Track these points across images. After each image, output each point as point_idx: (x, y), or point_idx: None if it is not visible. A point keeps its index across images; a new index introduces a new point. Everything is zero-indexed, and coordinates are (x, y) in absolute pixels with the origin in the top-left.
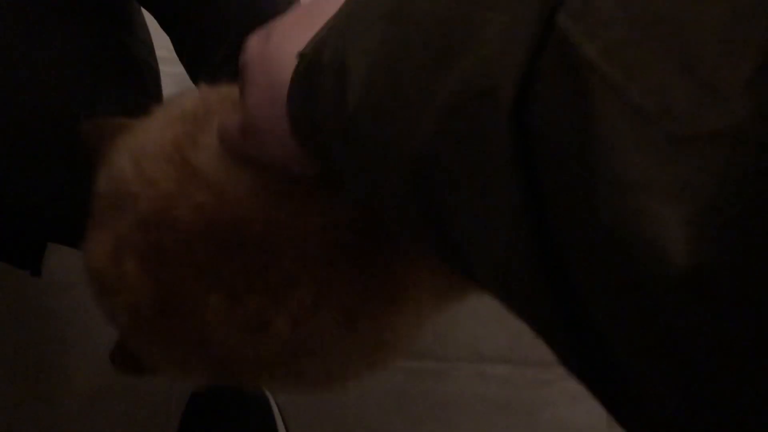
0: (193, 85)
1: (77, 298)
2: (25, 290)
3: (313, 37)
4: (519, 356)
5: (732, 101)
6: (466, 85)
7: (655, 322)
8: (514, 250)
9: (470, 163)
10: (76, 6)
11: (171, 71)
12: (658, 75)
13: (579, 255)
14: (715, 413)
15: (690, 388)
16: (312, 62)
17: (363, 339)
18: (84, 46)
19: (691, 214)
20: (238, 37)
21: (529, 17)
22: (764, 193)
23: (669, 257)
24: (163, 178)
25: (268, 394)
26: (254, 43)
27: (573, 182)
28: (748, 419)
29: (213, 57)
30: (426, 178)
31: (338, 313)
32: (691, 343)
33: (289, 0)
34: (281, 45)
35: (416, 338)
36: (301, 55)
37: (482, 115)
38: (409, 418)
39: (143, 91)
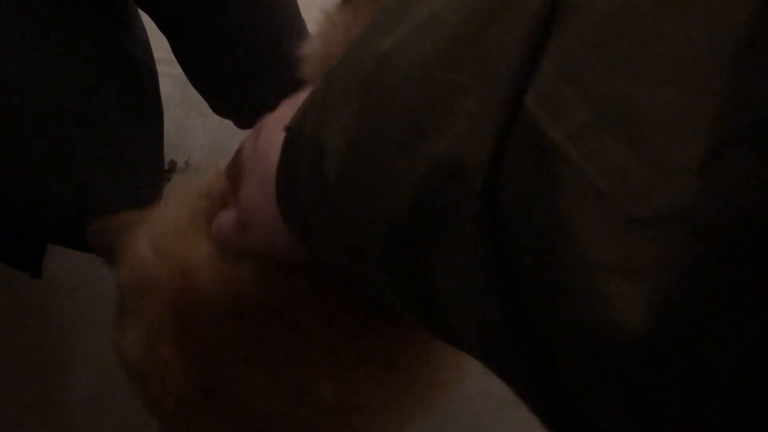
0: (191, 87)
1: (79, 300)
2: (27, 293)
3: (296, 111)
4: None
5: (682, 185)
6: (436, 164)
7: (614, 381)
8: (490, 322)
9: (444, 238)
10: (73, 6)
11: (170, 72)
12: (615, 157)
13: (549, 331)
14: None
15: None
16: (294, 135)
17: (409, 385)
18: (81, 47)
19: (647, 293)
20: (240, 43)
21: (497, 100)
22: (710, 275)
23: (628, 329)
24: (184, 256)
25: None
26: (247, 145)
27: (540, 260)
28: None
29: (212, 60)
30: (402, 250)
31: (378, 366)
32: (647, 399)
33: (287, 3)
34: (270, 138)
35: (465, 367)
36: (288, 128)
37: (453, 193)
38: None
39: (141, 91)
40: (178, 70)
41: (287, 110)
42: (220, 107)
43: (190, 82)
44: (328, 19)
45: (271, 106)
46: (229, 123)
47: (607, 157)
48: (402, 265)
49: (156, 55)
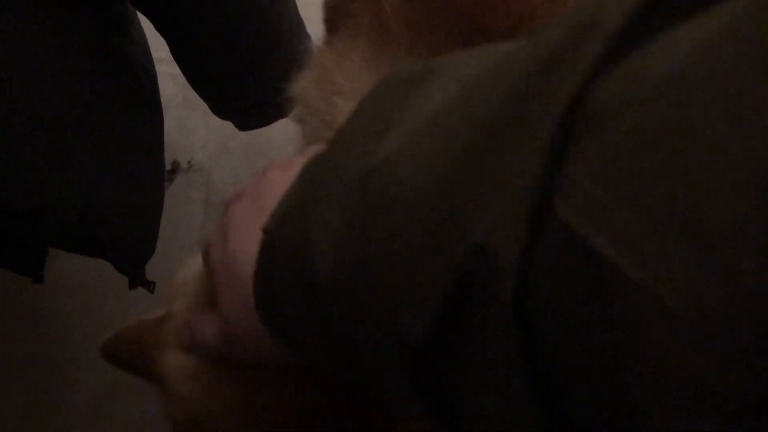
0: (190, 87)
1: (82, 301)
2: (30, 295)
3: (274, 211)
4: None
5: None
6: (462, 274)
7: None
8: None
9: (470, 351)
10: (70, 11)
11: (171, 71)
12: (682, 270)
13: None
14: None
15: None
16: (273, 239)
17: None
18: (78, 52)
19: (722, 421)
20: (238, 45)
21: (520, 210)
22: None
23: None
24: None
25: None
26: (214, 251)
27: (592, 371)
28: None
29: (209, 62)
30: (423, 363)
31: None
32: None
33: (285, 4)
34: (239, 246)
35: None
36: (265, 231)
37: (481, 304)
38: None
39: (139, 94)
40: (178, 70)
41: (251, 205)
42: (218, 108)
43: (189, 83)
44: (314, 63)
45: (270, 106)
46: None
47: (672, 271)
48: (421, 375)
49: (157, 54)
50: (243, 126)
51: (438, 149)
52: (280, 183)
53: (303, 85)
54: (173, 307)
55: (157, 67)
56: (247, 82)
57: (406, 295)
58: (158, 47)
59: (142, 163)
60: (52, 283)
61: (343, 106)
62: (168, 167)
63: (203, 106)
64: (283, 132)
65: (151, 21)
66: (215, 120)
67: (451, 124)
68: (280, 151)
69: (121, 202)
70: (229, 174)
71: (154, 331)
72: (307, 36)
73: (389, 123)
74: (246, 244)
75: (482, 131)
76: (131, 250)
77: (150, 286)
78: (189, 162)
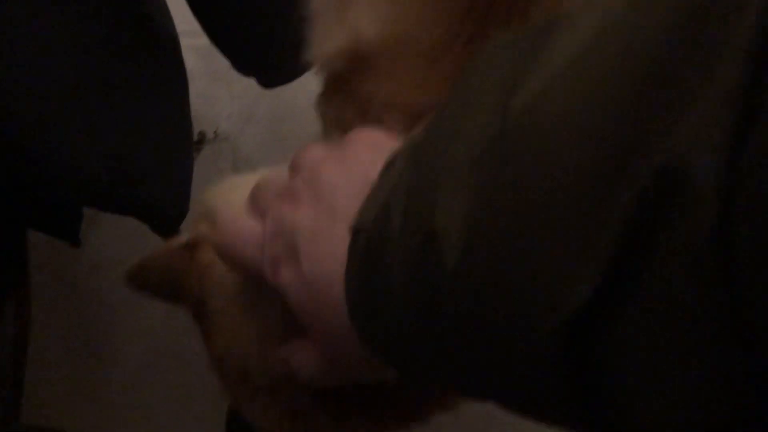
0: (215, 58)
1: (117, 276)
2: (69, 272)
3: (363, 207)
4: None
5: None
6: (646, 207)
7: None
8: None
9: (653, 307)
10: None
11: (193, 44)
12: None
13: None
14: None
15: None
16: (374, 235)
17: None
18: (100, 14)
19: None
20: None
21: (724, 124)
22: None
23: None
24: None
25: None
26: (285, 272)
27: None
28: None
29: (231, 17)
30: (584, 342)
31: None
32: None
33: None
34: (317, 264)
35: None
36: (357, 231)
37: (671, 243)
38: None
39: (161, 56)
40: (201, 41)
41: (314, 210)
42: (241, 62)
43: (207, 36)
44: None
45: (290, 61)
46: (254, 89)
47: None
48: (573, 368)
49: (179, 27)
50: (267, 81)
51: (599, 72)
52: (342, 180)
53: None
54: (200, 228)
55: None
56: (267, 36)
57: (570, 253)
58: (179, 20)
59: (170, 123)
60: (90, 259)
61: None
62: (194, 138)
63: (227, 77)
64: (308, 97)
65: None
66: (239, 89)
67: (609, 47)
68: (305, 115)
69: (150, 162)
70: (255, 142)
71: (184, 256)
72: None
73: (520, 74)
74: (326, 260)
75: (660, 35)
76: (164, 210)
77: None
78: (215, 132)
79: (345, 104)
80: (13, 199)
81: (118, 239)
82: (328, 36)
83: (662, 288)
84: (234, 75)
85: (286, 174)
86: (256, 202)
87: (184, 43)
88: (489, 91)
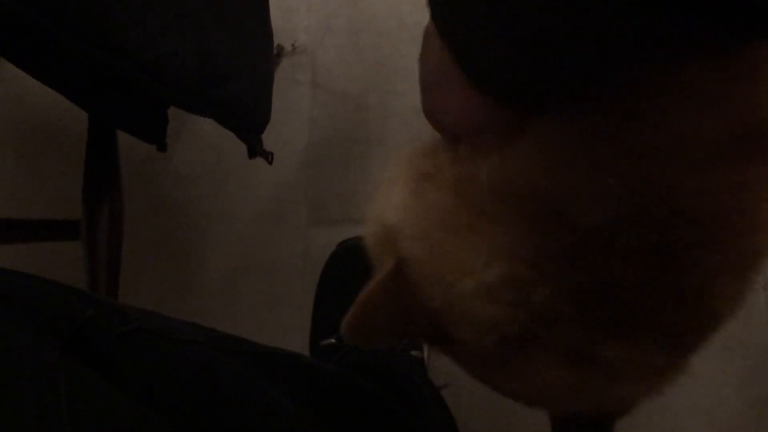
0: None
1: (203, 189)
2: (155, 186)
3: None
4: None
5: None
6: None
7: None
8: None
9: None
10: None
11: None
12: None
13: None
14: None
15: None
16: None
17: None
18: None
19: None
20: None
21: None
22: None
23: None
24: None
25: None
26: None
27: None
28: None
29: None
30: None
31: None
32: None
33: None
34: None
35: None
36: None
37: None
38: None
39: None
40: None
41: None
42: None
43: None
44: None
45: None
46: (332, 0)
47: None
48: None
49: None
50: None
51: None
52: None
53: None
54: (392, 250)
55: None
56: None
57: None
58: None
59: (254, 26)
60: (174, 174)
61: None
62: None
63: None
64: (386, 6)
65: None
66: (317, 0)
67: None
68: (384, 25)
69: (236, 61)
70: (334, 53)
71: (399, 283)
72: None
73: None
74: None
75: None
76: (248, 114)
77: (269, 156)
78: (293, 45)
79: None
80: (106, 96)
81: (199, 152)
82: None
83: None
84: None
85: None
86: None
87: None
88: None
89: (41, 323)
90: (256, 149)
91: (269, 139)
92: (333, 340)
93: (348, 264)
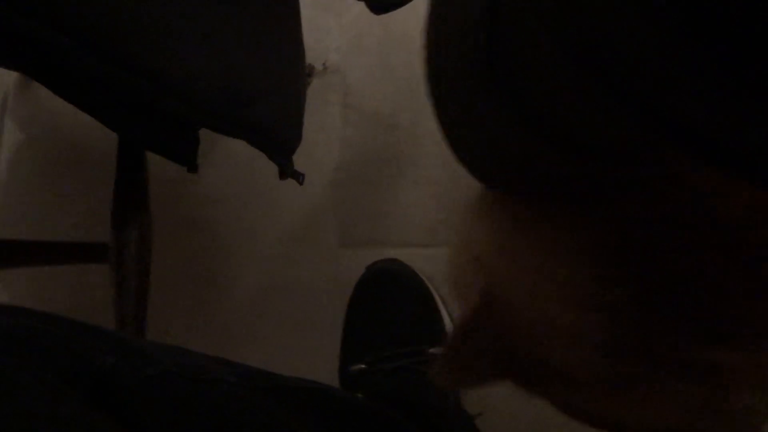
0: None
1: (230, 210)
2: (181, 207)
3: None
4: None
5: None
6: None
7: None
8: None
9: None
10: None
11: None
12: None
13: None
14: None
15: None
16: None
17: None
18: None
19: None
20: None
21: None
22: None
23: None
24: None
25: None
26: None
27: None
28: None
29: None
30: None
31: None
32: None
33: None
34: None
35: None
36: None
37: None
38: None
39: None
40: None
41: None
42: None
43: None
44: None
45: None
46: (363, 19)
47: None
48: None
49: None
50: (377, 7)
51: None
52: None
53: None
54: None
55: None
56: None
57: None
58: None
59: (285, 46)
60: (201, 195)
61: None
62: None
63: (335, 6)
64: (417, 26)
65: None
66: (348, 19)
67: None
68: (415, 44)
69: (265, 82)
70: (365, 73)
71: (491, 316)
72: None
73: None
74: None
75: None
76: (278, 135)
77: (300, 177)
78: (324, 64)
79: None
80: (136, 118)
81: (226, 174)
82: None
83: None
84: (343, 5)
85: None
86: None
87: None
88: None
89: (62, 371)
90: (286, 170)
91: (300, 159)
92: (363, 366)
93: (378, 287)
